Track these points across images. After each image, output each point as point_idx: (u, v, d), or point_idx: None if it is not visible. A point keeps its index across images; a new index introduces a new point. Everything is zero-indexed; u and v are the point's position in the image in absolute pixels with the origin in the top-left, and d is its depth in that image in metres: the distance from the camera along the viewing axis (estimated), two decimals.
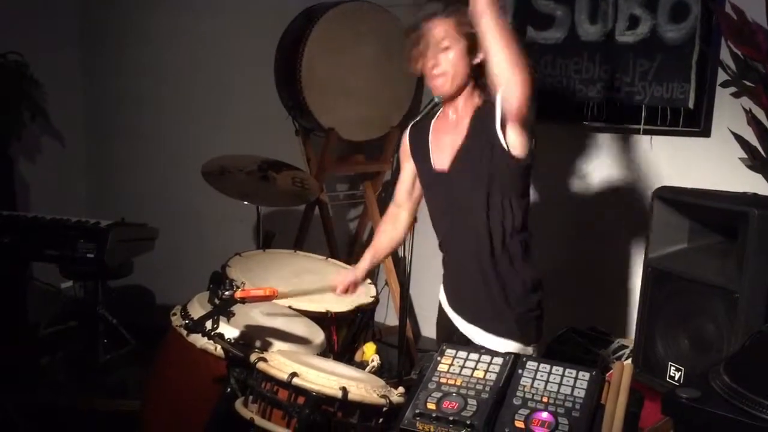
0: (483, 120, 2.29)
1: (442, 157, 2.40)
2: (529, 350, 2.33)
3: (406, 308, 3.27)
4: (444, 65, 2.29)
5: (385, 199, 4.47)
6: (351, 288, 2.67)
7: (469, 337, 2.37)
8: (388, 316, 4.31)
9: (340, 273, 3.06)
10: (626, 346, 3.06)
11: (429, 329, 4.42)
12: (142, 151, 4.28)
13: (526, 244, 2.37)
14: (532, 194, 3.37)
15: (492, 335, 2.32)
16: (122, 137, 4.36)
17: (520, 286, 2.33)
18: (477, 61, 2.28)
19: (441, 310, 2.56)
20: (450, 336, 2.43)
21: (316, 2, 3.95)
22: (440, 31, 2.27)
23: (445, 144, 2.40)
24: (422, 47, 2.30)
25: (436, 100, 2.59)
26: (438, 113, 2.48)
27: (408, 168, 2.58)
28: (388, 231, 2.69)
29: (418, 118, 2.58)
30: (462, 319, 2.42)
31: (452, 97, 2.36)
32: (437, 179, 2.42)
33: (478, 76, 2.31)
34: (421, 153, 2.48)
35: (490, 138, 2.24)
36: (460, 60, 2.28)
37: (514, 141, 2.23)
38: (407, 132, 2.57)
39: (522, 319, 2.32)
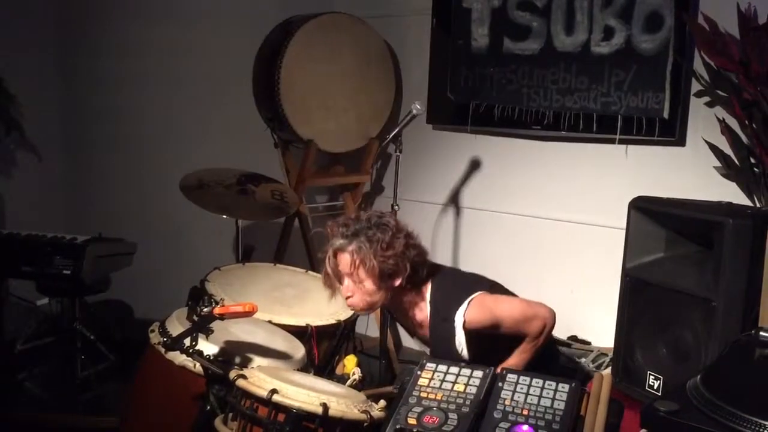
0: (447, 341, 2.36)
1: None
2: None
3: (387, 319, 3.27)
4: (357, 295, 2.36)
5: (365, 210, 4.48)
6: None
7: None
8: (369, 327, 4.31)
9: (318, 283, 3.06)
10: (606, 355, 3.07)
11: (410, 340, 4.42)
12: (120, 165, 4.24)
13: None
14: (509, 204, 3.40)
15: None
16: (99, 151, 4.32)
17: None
18: (397, 283, 2.35)
19: None
20: None
21: (293, 14, 3.95)
22: (346, 266, 2.33)
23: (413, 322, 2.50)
24: (335, 272, 2.38)
25: (415, 112, 2.62)
26: None
27: None
28: None
29: (396, 131, 2.60)
30: None
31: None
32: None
33: (408, 283, 2.37)
34: None
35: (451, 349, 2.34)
36: (375, 291, 2.35)
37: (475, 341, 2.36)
38: None
39: None
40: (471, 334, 2.32)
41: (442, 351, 2.34)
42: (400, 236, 2.35)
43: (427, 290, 2.41)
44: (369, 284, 2.32)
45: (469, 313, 2.30)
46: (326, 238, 2.41)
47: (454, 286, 2.40)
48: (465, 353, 2.33)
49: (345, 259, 2.31)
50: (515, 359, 2.34)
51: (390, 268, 2.30)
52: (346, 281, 2.34)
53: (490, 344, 2.36)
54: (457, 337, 2.32)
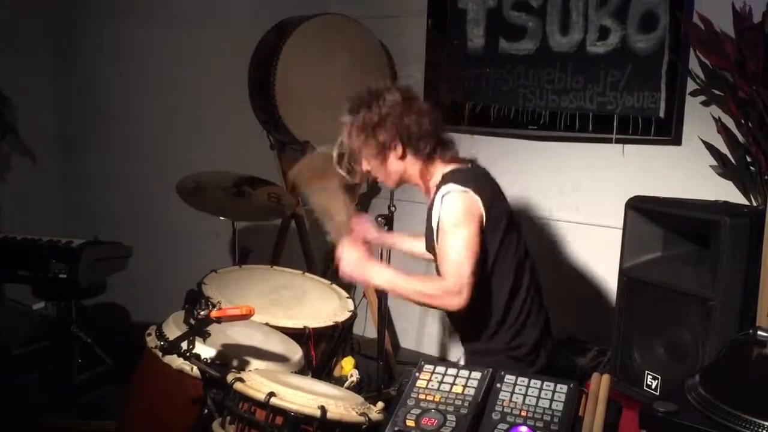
0: (428, 220, 2.32)
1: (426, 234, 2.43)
2: None
3: (385, 320, 3.27)
4: (374, 171, 2.37)
5: (361, 212, 4.48)
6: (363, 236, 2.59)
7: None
8: (366, 328, 4.30)
9: (316, 285, 3.06)
10: (604, 355, 3.07)
11: (407, 341, 4.42)
12: (116, 167, 4.23)
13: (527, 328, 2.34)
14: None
15: None
16: (95, 154, 4.31)
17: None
18: (397, 157, 2.30)
19: None
20: None
21: (288, 16, 3.94)
22: (353, 144, 2.33)
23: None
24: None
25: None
26: None
27: None
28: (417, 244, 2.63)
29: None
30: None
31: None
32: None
33: (420, 159, 2.32)
34: None
35: (433, 235, 2.28)
36: (381, 166, 2.34)
37: None
38: None
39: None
40: (438, 221, 2.23)
41: (428, 230, 2.33)
42: (396, 106, 2.27)
43: (444, 170, 2.32)
44: (371, 157, 2.31)
45: (449, 198, 2.20)
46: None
47: (467, 174, 2.29)
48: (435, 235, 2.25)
49: (347, 134, 2.32)
50: (401, 279, 2.23)
51: (381, 139, 2.26)
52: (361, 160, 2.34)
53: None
54: (434, 216, 2.24)
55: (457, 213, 2.19)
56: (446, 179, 2.26)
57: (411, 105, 2.31)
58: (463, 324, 2.40)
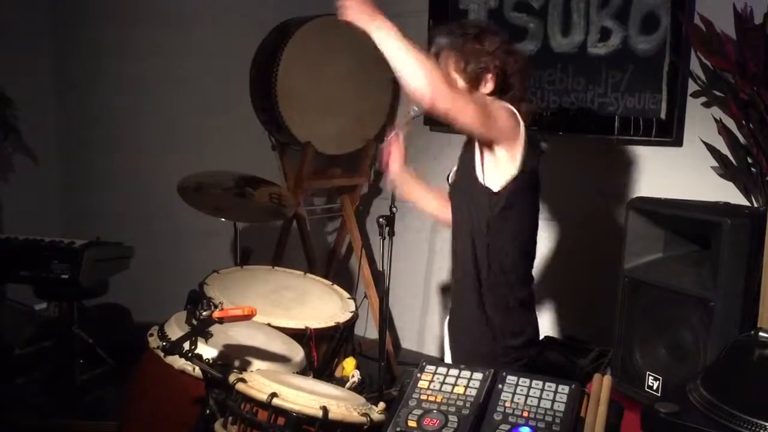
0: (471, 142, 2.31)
1: (455, 170, 2.44)
2: None
3: (386, 321, 3.27)
4: None
5: (362, 212, 4.49)
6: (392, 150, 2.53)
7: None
8: (367, 329, 4.31)
9: (317, 285, 3.06)
10: (605, 356, 3.07)
11: (409, 342, 4.43)
12: (118, 168, 4.24)
13: (521, 289, 2.33)
14: None
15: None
16: (96, 154, 4.32)
17: (508, 332, 2.31)
18: (487, 91, 2.31)
19: None
20: None
21: (290, 17, 3.95)
22: (444, 65, 2.31)
23: (461, 158, 2.42)
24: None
25: (412, 113, 2.61)
26: None
27: None
28: (442, 196, 2.62)
29: (394, 133, 2.59)
30: (449, 343, 2.43)
31: None
32: (450, 191, 2.47)
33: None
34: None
35: (473, 162, 2.27)
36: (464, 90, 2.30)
37: (489, 168, 2.25)
38: None
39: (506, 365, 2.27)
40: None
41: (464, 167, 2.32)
42: (495, 40, 2.30)
43: None
44: (461, 83, 2.29)
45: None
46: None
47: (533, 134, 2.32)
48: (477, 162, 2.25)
49: (444, 58, 2.31)
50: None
51: (478, 68, 2.27)
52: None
53: None
54: None
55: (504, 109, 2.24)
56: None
57: (511, 45, 2.38)
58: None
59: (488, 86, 2.32)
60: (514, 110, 2.27)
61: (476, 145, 2.27)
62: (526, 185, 2.28)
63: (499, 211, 2.26)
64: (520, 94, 2.36)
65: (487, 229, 2.27)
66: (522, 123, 2.27)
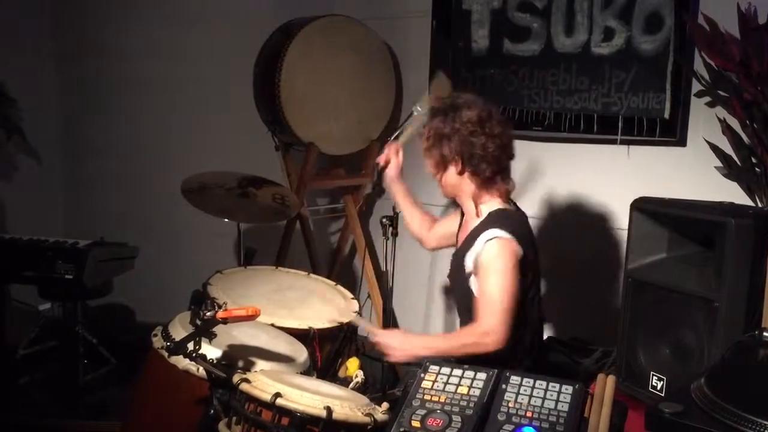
0: (464, 252, 2.41)
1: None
2: None
3: (389, 322, 3.27)
4: (433, 175, 2.49)
5: (365, 213, 4.49)
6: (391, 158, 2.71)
7: None
8: None
9: (321, 286, 3.07)
10: (609, 356, 3.07)
11: None
12: (121, 168, 4.24)
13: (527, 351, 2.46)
14: None
15: None
16: (100, 155, 4.32)
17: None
18: (462, 174, 2.41)
19: None
20: None
21: (293, 17, 3.95)
22: (423, 143, 2.45)
23: (462, 231, 2.55)
24: None
25: (416, 114, 2.63)
26: None
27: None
28: (426, 219, 2.82)
29: (397, 133, 2.62)
30: None
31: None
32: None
33: (480, 183, 2.42)
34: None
35: (461, 273, 2.42)
36: (439, 174, 2.46)
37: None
38: None
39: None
40: (475, 260, 2.34)
41: (455, 266, 2.46)
42: (468, 124, 2.36)
43: (493, 205, 2.44)
44: (431, 163, 2.43)
45: (492, 245, 2.31)
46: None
47: (513, 220, 2.42)
48: (469, 271, 2.37)
49: (426, 130, 2.45)
50: (442, 341, 2.43)
51: (445, 151, 2.37)
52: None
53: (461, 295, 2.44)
54: (471, 255, 2.35)
55: (501, 259, 2.30)
56: (492, 220, 2.38)
57: (483, 125, 2.38)
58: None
59: (457, 166, 2.40)
60: (514, 248, 2.34)
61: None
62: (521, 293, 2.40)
63: None
64: (497, 166, 2.42)
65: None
66: (520, 247, 2.36)
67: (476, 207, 2.45)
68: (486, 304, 2.30)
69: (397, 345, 2.36)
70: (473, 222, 2.46)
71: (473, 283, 2.38)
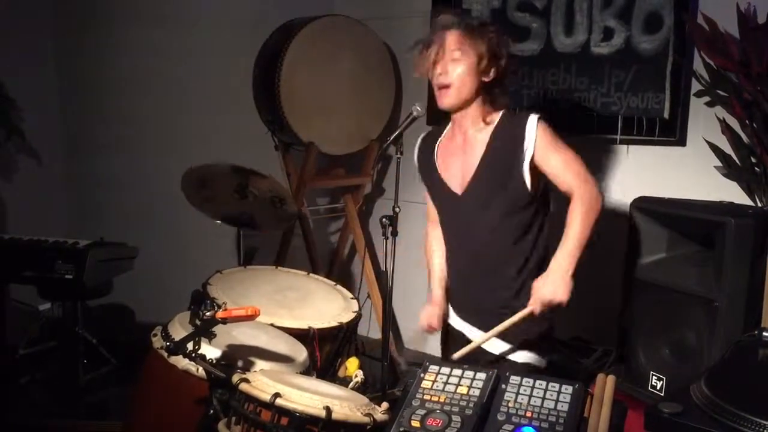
0: (504, 151, 2.34)
1: (453, 181, 2.44)
2: (544, 363, 2.37)
3: (389, 321, 3.27)
4: (451, 76, 2.32)
5: (365, 212, 4.49)
6: (439, 322, 2.57)
7: (488, 349, 2.37)
8: (371, 329, 4.31)
9: (320, 285, 3.06)
10: (609, 356, 3.07)
11: (412, 342, 4.42)
12: (121, 168, 4.24)
13: (542, 264, 2.40)
14: None
15: (513, 347, 2.35)
16: (100, 155, 4.32)
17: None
18: (487, 79, 2.34)
19: (449, 326, 2.56)
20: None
21: (293, 17, 3.95)
22: (453, 42, 2.32)
23: (455, 167, 2.44)
24: (432, 54, 2.34)
25: (415, 113, 2.61)
26: (445, 132, 2.52)
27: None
28: (439, 250, 2.65)
29: (397, 133, 2.60)
30: (480, 330, 2.41)
31: (459, 114, 2.40)
32: (448, 201, 2.47)
33: (488, 93, 2.37)
34: (429, 173, 2.53)
35: (509, 171, 2.33)
36: (468, 75, 2.32)
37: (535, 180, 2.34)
38: (416, 150, 2.61)
39: (542, 333, 2.36)
40: (532, 158, 2.32)
41: (496, 172, 2.35)
42: (507, 49, 2.37)
43: (496, 117, 2.39)
44: (464, 68, 2.31)
45: (541, 123, 2.31)
46: (432, 25, 2.41)
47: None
48: (526, 168, 2.32)
49: (453, 36, 2.32)
50: (570, 241, 2.33)
51: (491, 51, 2.31)
52: (441, 67, 2.33)
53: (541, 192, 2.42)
54: (525, 142, 2.31)
55: (552, 133, 2.35)
56: (513, 113, 2.39)
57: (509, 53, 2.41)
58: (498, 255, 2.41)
59: (490, 75, 2.35)
60: None
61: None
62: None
63: (530, 203, 2.39)
64: (503, 93, 2.42)
65: (516, 219, 2.38)
66: None
67: (484, 116, 2.39)
68: (571, 170, 2.33)
69: (551, 293, 2.27)
70: (480, 134, 2.40)
71: (527, 172, 2.33)
